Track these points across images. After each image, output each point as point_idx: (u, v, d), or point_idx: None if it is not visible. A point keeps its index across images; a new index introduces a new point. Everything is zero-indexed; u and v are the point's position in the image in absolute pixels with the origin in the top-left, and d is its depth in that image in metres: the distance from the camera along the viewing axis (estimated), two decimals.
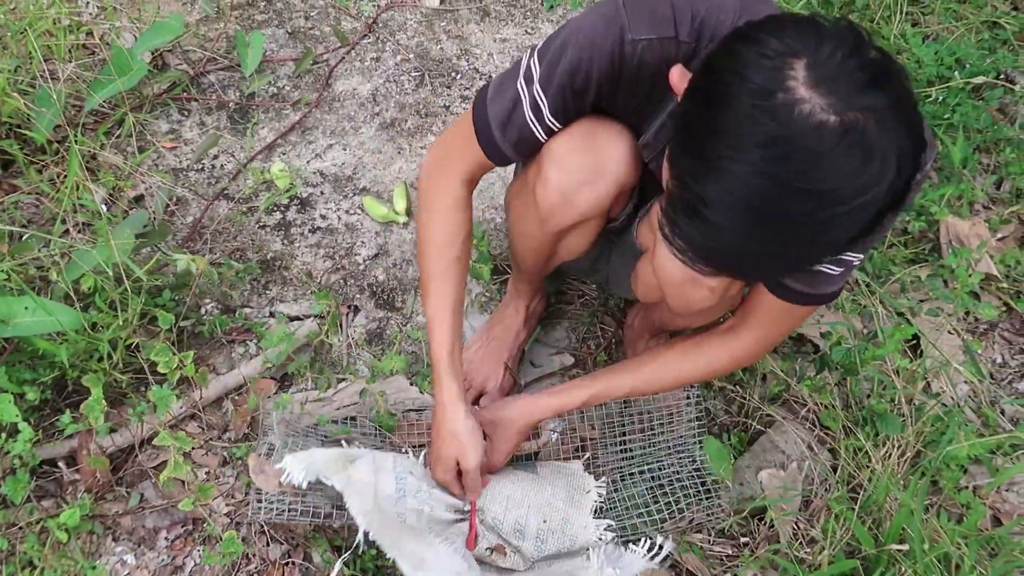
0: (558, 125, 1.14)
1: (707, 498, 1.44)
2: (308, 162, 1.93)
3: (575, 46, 1.06)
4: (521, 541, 1.35)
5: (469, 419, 1.28)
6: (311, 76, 2.07)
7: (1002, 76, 2.14)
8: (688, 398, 1.52)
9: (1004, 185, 2.01)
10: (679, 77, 0.97)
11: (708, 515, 1.43)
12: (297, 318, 1.69)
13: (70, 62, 1.81)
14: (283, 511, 1.32)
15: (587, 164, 1.16)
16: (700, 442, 1.49)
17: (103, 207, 1.69)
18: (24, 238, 1.59)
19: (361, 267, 1.79)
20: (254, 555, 1.39)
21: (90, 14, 2.04)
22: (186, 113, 1.97)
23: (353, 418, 1.49)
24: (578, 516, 1.39)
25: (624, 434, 1.52)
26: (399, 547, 1.22)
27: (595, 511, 1.41)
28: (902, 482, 1.47)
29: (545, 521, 1.37)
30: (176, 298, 1.62)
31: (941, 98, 2.02)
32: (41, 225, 1.70)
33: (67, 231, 1.64)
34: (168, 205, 1.80)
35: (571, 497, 1.41)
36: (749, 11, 1.02)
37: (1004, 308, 1.84)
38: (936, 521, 1.41)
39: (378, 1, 2.24)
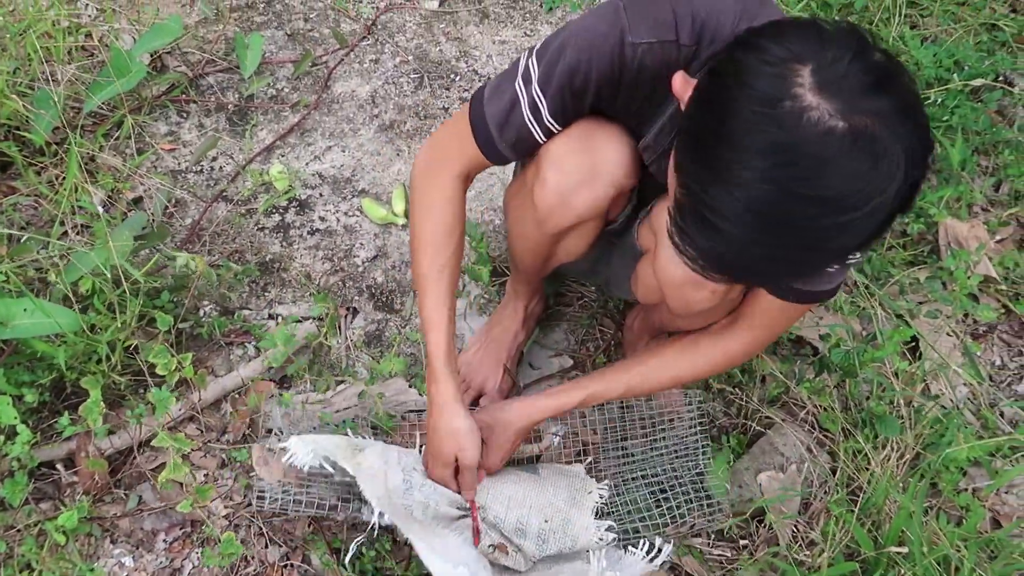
0: (557, 126, 1.14)
1: (708, 505, 1.43)
2: (307, 164, 1.93)
3: (574, 48, 1.06)
4: (523, 540, 1.35)
5: (468, 418, 1.28)
6: (310, 78, 2.07)
7: (1001, 78, 2.14)
8: (690, 403, 1.52)
9: (1003, 187, 2.01)
10: (682, 84, 0.97)
11: (709, 521, 1.43)
12: (296, 320, 1.68)
13: (69, 64, 1.81)
14: (287, 502, 1.31)
15: (585, 166, 1.16)
16: (702, 448, 1.49)
17: (102, 209, 1.69)
18: (23, 240, 1.59)
19: (360, 269, 1.79)
20: (253, 557, 1.39)
21: (89, 16, 2.04)
22: (185, 115, 1.97)
23: (353, 419, 1.49)
24: (580, 516, 1.39)
25: (625, 438, 1.52)
26: (413, 532, 1.23)
27: (596, 513, 1.41)
28: (901, 484, 1.47)
29: (547, 521, 1.37)
30: (175, 300, 1.62)
31: (940, 100, 2.02)
32: (40, 227, 1.70)
33: (66, 233, 1.64)
34: (167, 207, 1.80)
35: (573, 498, 1.41)
36: (749, 13, 1.03)
37: (1003, 310, 1.84)
38: (935, 523, 1.41)
39: (377, 3, 2.24)
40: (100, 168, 1.80)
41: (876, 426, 1.54)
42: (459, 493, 1.33)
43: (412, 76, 2.10)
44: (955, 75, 2.06)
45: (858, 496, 1.46)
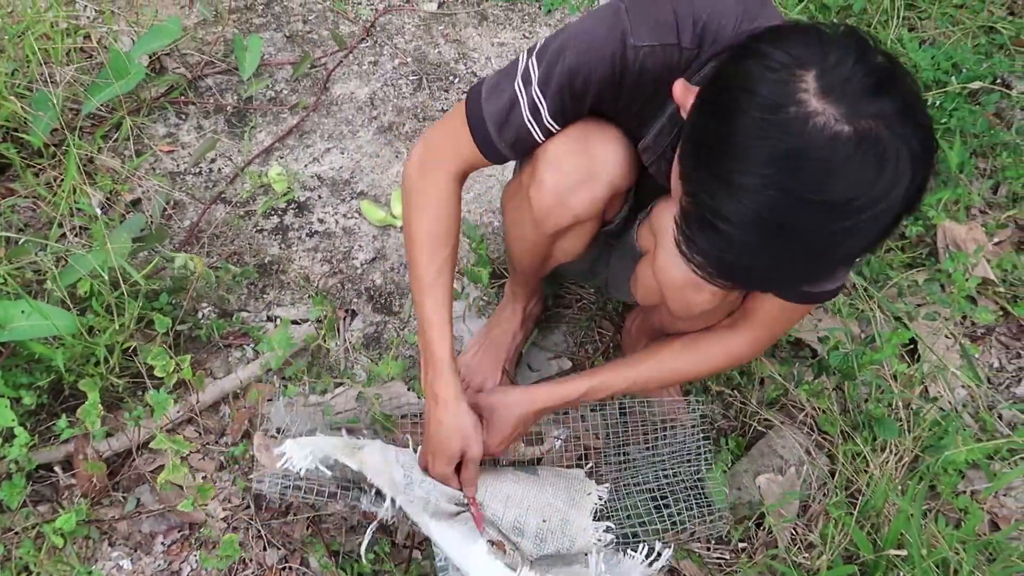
0: (556, 127, 1.14)
1: (709, 513, 1.43)
2: (306, 166, 1.93)
3: (575, 50, 1.06)
4: (520, 539, 1.35)
5: (472, 414, 1.28)
6: (309, 80, 2.07)
7: (999, 81, 2.15)
8: (693, 411, 1.51)
9: (1001, 189, 2.02)
10: (682, 92, 0.97)
11: (710, 529, 1.43)
12: (295, 322, 1.68)
13: (68, 65, 1.81)
14: (287, 487, 1.30)
15: (581, 166, 1.16)
16: (704, 455, 1.48)
17: (100, 211, 1.69)
18: (21, 242, 1.59)
19: (358, 271, 1.79)
20: (251, 560, 1.39)
21: (88, 17, 2.04)
22: (183, 117, 1.97)
23: (353, 422, 1.49)
24: (578, 517, 1.39)
25: (627, 443, 1.52)
26: (425, 519, 1.24)
27: (595, 515, 1.41)
28: (900, 487, 1.47)
29: (545, 521, 1.36)
30: (173, 302, 1.62)
31: (938, 103, 2.02)
32: (38, 229, 1.69)
33: (64, 235, 1.64)
34: (165, 209, 1.80)
35: (572, 498, 1.41)
36: (750, 15, 1.03)
37: (1001, 312, 1.84)
38: (934, 526, 1.41)
39: (376, 5, 2.24)
40: (98, 170, 1.80)
41: (875, 428, 1.55)
42: (459, 490, 1.33)
43: (411, 78, 2.10)
44: (953, 78, 2.06)
45: (857, 499, 1.46)
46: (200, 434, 1.52)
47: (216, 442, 1.52)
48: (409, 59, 2.14)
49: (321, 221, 1.85)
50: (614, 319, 1.76)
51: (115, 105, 1.86)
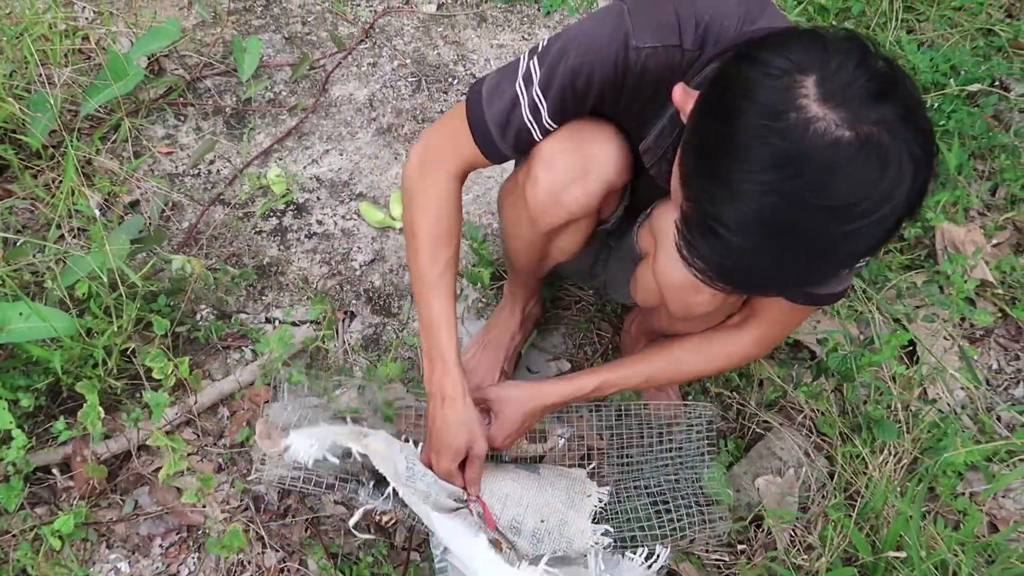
0: (555, 127, 1.15)
1: (710, 521, 1.42)
2: (304, 167, 1.92)
3: (577, 50, 1.06)
4: (517, 538, 1.35)
5: (477, 412, 1.28)
6: (308, 81, 2.07)
7: (997, 83, 2.15)
8: (699, 417, 1.51)
9: (999, 191, 2.02)
10: (682, 96, 0.98)
11: (710, 538, 1.42)
12: (293, 324, 1.68)
13: (66, 67, 1.81)
14: (286, 476, 1.30)
15: (576, 164, 1.17)
16: (708, 463, 1.48)
17: (98, 212, 1.68)
18: (19, 243, 1.59)
19: (357, 273, 1.78)
20: (249, 562, 1.39)
21: (86, 19, 2.03)
22: (182, 118, 1.97)
23: (355, 411, 1.48)
24: (576, 519, 1.39)
25: (631, 446, 1.51)
26: (426, 510, 1.24)
27: (594, 517, 1.40)
28: (899, 489, 1.47)
29: (543, 521, 1.36)
30: (171, 304, 1.62)
31: (936, 105, 2.03)
32: (36, 230, 1.69)
33: (62, 236, 1.64)
34: (164, 210, 1.80)
35: (571, 499, 1.40)
36: (752, 16, 1.03)
37: (999, 314, 1.84)
38: (933, 528, 1.41)
39: (375, 6, 2.24)
40: (97, 171, 1.80)
41: (874, 430, 1.55)
42: (463, 488, 1.33)
43: (410, 80, 2.10)
44: (952, 80, 2.06)
45: (856, 500, 1.46)
46: (198, 436, 1.51)
47: (214, 444, 1.51)
48: (408, 61, 2.14)
49: (320, 223, 1.84)
50: (613, 321, 1.76)
51: (113, 107, 1.86)
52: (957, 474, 1.54)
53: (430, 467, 1.31)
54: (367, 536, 1.36)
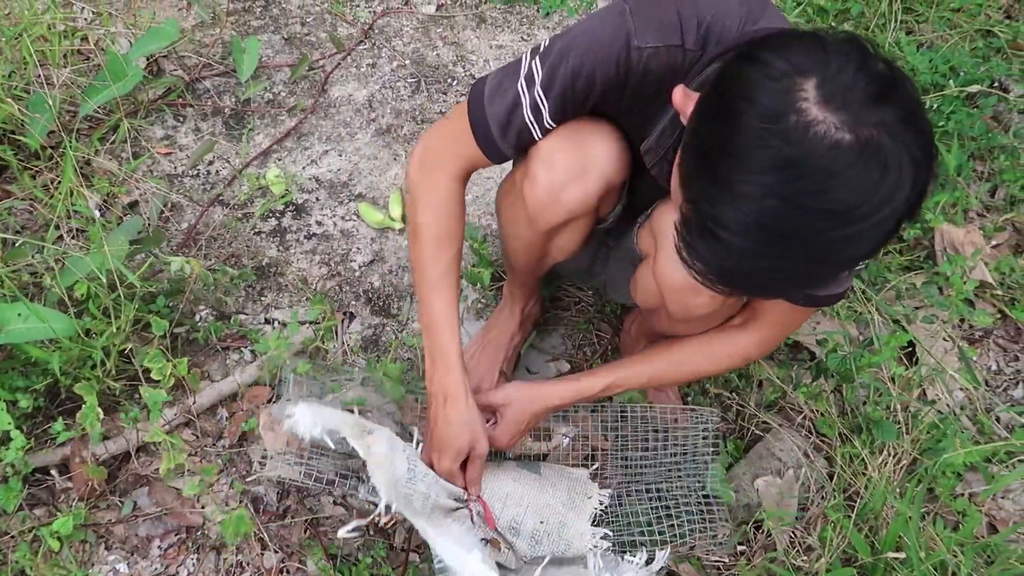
0: (555, 127, 1.15)
1: (712, 528, 1.42)
2: (304, 168, 1.92)
3: (578, 51, 1.06)
4: (515, 538, 1.34)
5: (479, 412, 1.28)
6: (307, 82, 2.07)
7: (996, 84, 2.15)
8: (706, 422, 1.51)
9: (998, 192, 2.02)
10: (682, 98, 0.98)
11: (712, 546, 1.42)
12: (286, 324, 1.68)
13: (65, 67, 1.81)
14: (286, 470, 1.29)
15: (574, 162, 1.17)
16: (711, 469, 1.47)
17: (97, 213, 1.68)
18: (17, 244, 1.58)
19: (357, 273, 1.78)
20: (248, 563, 1.38)
21: (85, 19, 2.03)
22: (181, 119, 1.97)
23: (360, 402, 1.47)
24: (576, 521, 1.38)
25: (636, 448, 1.51)
26: (421, 520, 1.23)
27: (594, 519, 1.40)
28: (898, 489, 1.47)
29: (542, 522, 1.36)
30: (170, 304, 1.61)
31: (936, 106, 2.03)
32: (35, 231, 1.69)
33: (61, 237, 1.64)
34: (163, 211, 1.80)
35: (571, 501, 1.40)
36: (753, 17, 1.03)
37: (999, 315, 1.84)
38: (932, 529, 1.41)
39: (374, 7, 2.24)
40: (96, 172, 1.79)
41: (873, 431, 1.55)
42: (464, 488, 1.32)
43: (409, 80, 2.10)
44: (951, 81, 2.07)
45: (855, 501, 1.46)
46: (197, 436, 1.51)
47: (213, 445, 1.51)
48: (407, 61, 2.14)
49: (319, 223, 1.84)
50: (612, 321, 1.76)
51: (112, 107, 1.86)
52: (956, 475, 1.54)
53: (431, 466, 1.31)
54: (355, 535, 1.35)
